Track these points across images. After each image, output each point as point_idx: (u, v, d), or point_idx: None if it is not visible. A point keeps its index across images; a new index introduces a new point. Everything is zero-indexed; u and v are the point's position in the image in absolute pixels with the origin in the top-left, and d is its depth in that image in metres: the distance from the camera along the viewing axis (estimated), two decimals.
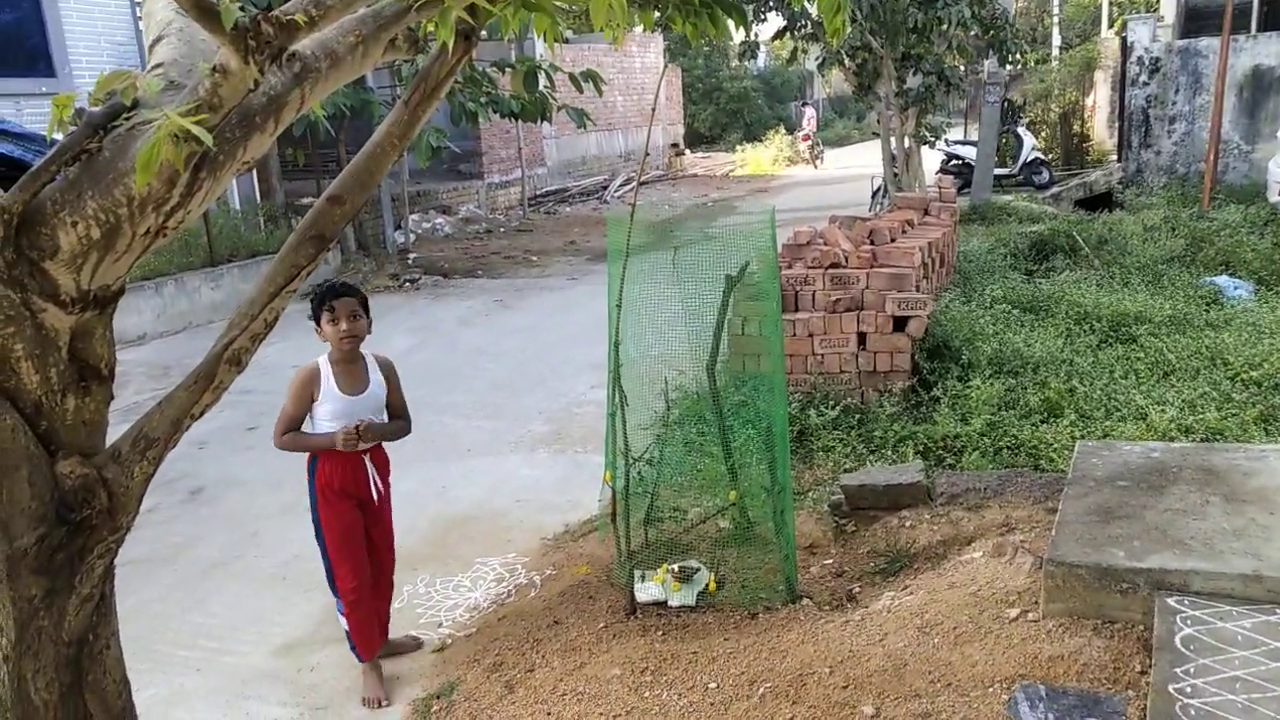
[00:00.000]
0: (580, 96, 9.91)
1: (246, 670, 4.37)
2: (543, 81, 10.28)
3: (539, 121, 12.03)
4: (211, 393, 1.79)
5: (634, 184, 5.91)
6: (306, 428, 3.89)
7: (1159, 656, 2.86)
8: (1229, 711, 2.58)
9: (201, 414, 1.81)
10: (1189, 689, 2.69)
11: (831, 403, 6.28)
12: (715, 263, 4.52)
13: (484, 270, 14.01)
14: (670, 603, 4.27)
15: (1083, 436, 5.53)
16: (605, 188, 22.60)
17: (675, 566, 4.40)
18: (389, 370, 4.03)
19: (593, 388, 7.72)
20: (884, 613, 3.75)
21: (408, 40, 1.92)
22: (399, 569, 4.40)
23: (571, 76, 9.10)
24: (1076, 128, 18.17)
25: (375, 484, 3.98)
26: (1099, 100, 19.57)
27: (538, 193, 20.85)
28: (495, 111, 12.44)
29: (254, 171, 13.67)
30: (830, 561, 4.60)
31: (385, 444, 4.08)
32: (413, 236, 16.04)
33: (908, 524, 4.60)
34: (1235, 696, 2.64)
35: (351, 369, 3.86)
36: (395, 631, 4.38)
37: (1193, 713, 2.60)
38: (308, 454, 3.90)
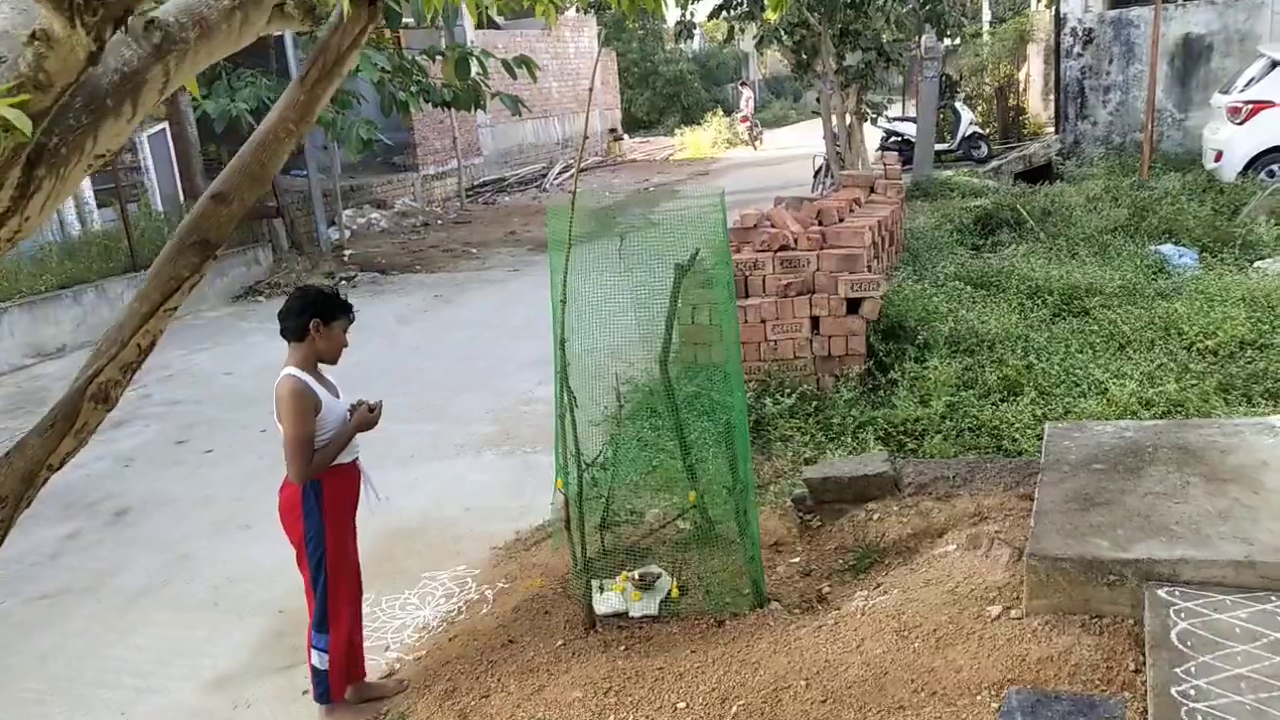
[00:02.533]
0: (514, 83, 9.57)
1: (175, 710, 4.05)
2: (475, 68, 9.93)
3: (473, 110, 11.65)
4: (73, 437, 1.46)
5: (573, 171, 5.63)
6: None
7: (1156, 655, 2.68)
8: (1238, 715, 2.41)
9: (61, 464, 1.48)
10: (1192, 691, 2.51)
11: (787, 390, 6.07)
12: (662, 250, 4.26)
13: (422, 265, 13.60)
14: (631, 613, 4.02)
15: (1044, 414, 5.39)
16: (544, 175, 22.19)
17: (635, 574, 4.16)
18: None
19: (539, 384, 7.42)
20: (858, 615, 3.55)
21: (300, 7, 1.62)
22: None
23: (504, 63, 8.77)
24: (1012, 101, 18.18)
25: (371, 485, 3.87)
26: (1032, 73, 19.63)
27: (475, 183, 20.38)
28: (427, 101, 12.01)
29: (176, 170, 13.07)
30: (797, 560, 4.39)
31: None
32: (347, 233, 15.52)
33: (875, 516, 4.41)
34: (1242, 697, 2.46)
35: (321, 378, 3.79)
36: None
37: (1200, 717, 2.42)
38: (304, 486, 3.61)
